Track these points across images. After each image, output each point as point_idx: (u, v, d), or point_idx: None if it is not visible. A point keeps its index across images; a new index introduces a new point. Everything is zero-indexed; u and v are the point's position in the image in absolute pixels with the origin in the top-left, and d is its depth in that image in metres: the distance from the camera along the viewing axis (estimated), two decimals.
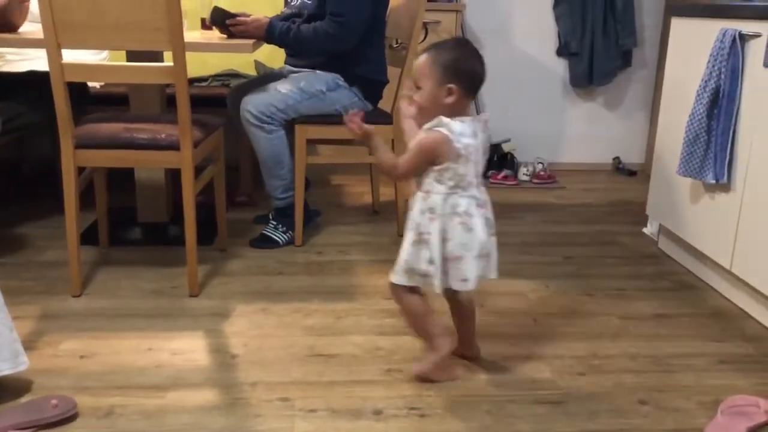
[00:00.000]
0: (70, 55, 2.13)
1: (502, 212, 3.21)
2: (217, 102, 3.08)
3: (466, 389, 1.75)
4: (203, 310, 2.15)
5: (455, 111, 1.63)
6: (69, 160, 2.13)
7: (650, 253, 2.74)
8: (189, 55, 2.08)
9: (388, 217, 3.02)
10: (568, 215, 3.21)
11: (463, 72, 1.63)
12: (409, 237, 1.68)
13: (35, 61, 3.18)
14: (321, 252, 2.64)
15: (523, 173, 3.75)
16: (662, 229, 2.76)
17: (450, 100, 1.62)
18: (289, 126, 2.62)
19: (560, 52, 3.91)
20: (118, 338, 1.95)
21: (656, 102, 3.84)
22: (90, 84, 3.12)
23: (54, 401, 1.57)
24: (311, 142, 2.72)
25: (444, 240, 1.63)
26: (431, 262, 1.64)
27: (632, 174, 3.97)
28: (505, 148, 3.81)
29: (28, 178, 3.45)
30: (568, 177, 3.86)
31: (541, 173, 3.74)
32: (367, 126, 1.69)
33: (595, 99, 4.02)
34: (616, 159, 4.07)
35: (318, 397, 1.70)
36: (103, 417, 1.60)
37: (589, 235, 2.93)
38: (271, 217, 2.74)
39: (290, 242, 2.69)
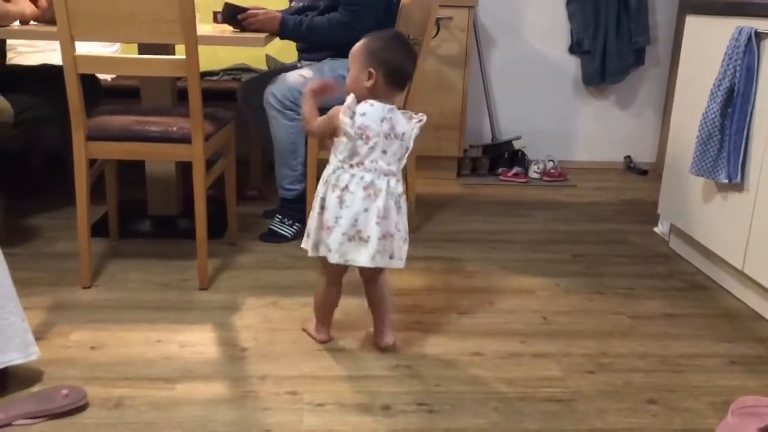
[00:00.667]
0: (82, 48, 2.13)
1: (511, 210, 3.21)
2: (227, 96, 3.08)
3: (475, 386, 1.75)
4: (213, 303, 2.15)
5: (376, 97, 1.72)
6: (81, 152, 2.14)
7: (661, 253, 2.72)
8: (200, 49, 2.08)
9: None
10: (578, 213, 3.20)
11: (387, 61, 1.72)
12: (315, 202, 1.79)
13: (47, 53, 3.19)
14: None
15: (534, 171, 3.74)
16: (673, 229, 2.75)
17: (369, 83, 1.71)
18: None
19: (572, 50, 3.89)
20: (128, 330, 1.96)
21: (668, 101, 3.81)
22: (101, 77, 3.13)
23: (64, 391, 1.58)
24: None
25: (322, 207, 1.74)
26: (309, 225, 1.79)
27: (643, 173, 3.94)
28: (516, 145, 3.80)
29: (38, 169, 3.46)
30: (579, 175, 3.85)
31: (552, 171, 3.72)
32: (316, 84, 1.83)
33: (607, 97, 4.00)
34: (628, 158, 4.05)
35: (326, 391, 1.70)
36: (112, 408, 1.60)
37: (599, 234, 2.92)
38: (277, 212, 2.73)
39: (298, 234, 2.69)
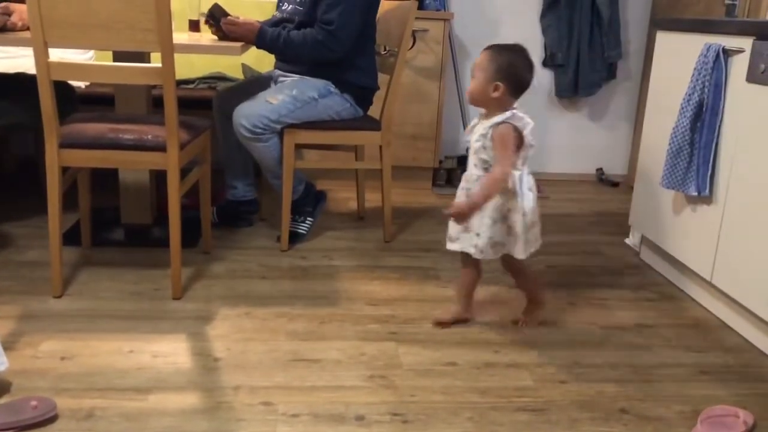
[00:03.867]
0: (55, 54, 2.11)
1: None
2: (203, 104, 3.07)
3: (450, 396, 1.76)
4: (186, 312, 2.13)
5: (501, 105, 1.93)
6: (53, 159, 2.11)
7: (632, 264, 2.77)
8: (176, 57, 2.07)
9: (374, 223, 3.02)
10: (551, 225, 3.23)
11: (513, 75, 1.91)
12: (489, 216, 1.96)
13: (19, 59, 3.15)
14: (305, 257, 2.64)
15: None
16: (644, 240, 2.79)
17: (496, 95, 1.91)
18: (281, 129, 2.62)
19: (546, 63, 3.94)
20: (100, 340, 1.93)
21: (640, 114, 3.88)
22: (75, 84, 3.10)
23: (33, 402, 1.55)
24: (299, 147, 2.73)
25: (522, 213, 1.97)
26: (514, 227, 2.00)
27: (615, 185, 4.00)
28: None
29: (9, 176, 3.41)
30: (552, 187, 3.89)
31: None
32: (461, 205, 1.93)
33: (580, 110, 4.05)
34: (599, 170, 4.11)
35: (301, 401, 1.70)
36: (83, 419, 1.58)
37: (571, 245, 2.95)
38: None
39: (311, 229, 2.83)
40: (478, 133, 1.98)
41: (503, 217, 1.98)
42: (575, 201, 3.66)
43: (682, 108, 2.31)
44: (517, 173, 1.95)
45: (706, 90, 2.23)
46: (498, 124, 1.91)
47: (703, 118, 2.25)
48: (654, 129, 2.64)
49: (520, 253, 1.99)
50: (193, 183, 2.38)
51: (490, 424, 1.65)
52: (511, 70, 1.91)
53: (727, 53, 2.19)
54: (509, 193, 1.95)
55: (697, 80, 2.26)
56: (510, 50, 1.94)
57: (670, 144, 2.35)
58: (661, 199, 2.57)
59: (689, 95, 2.28)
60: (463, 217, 1.92)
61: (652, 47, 2.75)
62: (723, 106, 2.21)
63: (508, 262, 2.11)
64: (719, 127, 2.22)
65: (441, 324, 2.13)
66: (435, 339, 2.05)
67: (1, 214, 2.88)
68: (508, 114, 1.92)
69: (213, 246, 2.63)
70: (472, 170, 2.01)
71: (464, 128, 3.93)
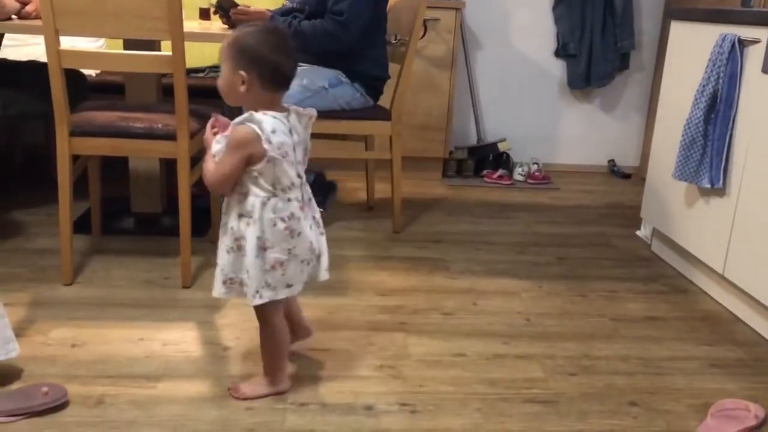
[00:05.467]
0: (66, 42, 2.11)
1: (496, 212, 3.22)
2: (213, 93, 3.05)
3: (459, 386, 1.75)
4: (195, 301, 2.14)
5: (260, 102, 1.51)
6: (64, 147, 2.12)
7: (643, 256, 2.75)
8: (186, 46, 2.07)
9: (383, 213, 3.02)
10: (562, 216, 3.22)
11: (261, 61, 1.49)
12: (224, 243, 1.56)
13: (31, 47, 3.16)
14: None
15: (519, 173, 3.75)
16: (656, 233, 2.77)
17: (243, 88, 1.49)
18: None
19: (558, 53, 3.91)
20: (110, 327, 1.94)
21: (652, 105, 3.85)
22: (86, 72, 3.10)
23: (44, 389, 1.56)
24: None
25: (262, 248, 1.52)
26: (247, 270, 1.53)
27: (626, 177, 3.98)
28: (501, 147, 3.82)
29: (20, 164, 3.42)
30: (563, 178, 3.87)
31: (536, 174, 3.74)
32: (212, 132, 1.58)
33: (592, 101, 4.02)
34: (611, 161, 4.08)
35: (309, 390, 1.70)
36: (93, 406, 1.59)
37: (582, 237, 2.94)
38: None
39: (323, 212, 2.77)
40: None
41: (237, 247, 1.54)
42: (587, 192, 3.64)
43: (696, 99, 2.28)
44: (257, 199, 1.51)
45: (720, 81, 2.20)
46: (238, 123, 1.49)
47: (717, 110, 2.23)
48: (667, 120, 2.61)
49: (249, 294, 1.55)
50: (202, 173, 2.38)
51: (499, 416, 1.64)
52: (257, 55, 1.48)
53: (743, 44, 2.16)
54: (244, 218, 1.53)
55: (711, 71, 2.23)
56: (256, 32, 1.52)
57: (683, 135, 2.33)
58: (673, 191, 2.55)
59: (703, 86, 2.26)
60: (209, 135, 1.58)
61: (666, 37, 2.72)
62: (738, 98, 2.18)
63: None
64: (734, 118, 2.20)
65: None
66: (444, 330, 2.04)
67: (11, 202, 2.90)
68: (247, 115, 1.48)
69: None
70: None
71: (475, 119, 3.91)
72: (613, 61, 3.86)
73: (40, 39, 2.12)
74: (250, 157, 1.48)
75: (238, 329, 1.98)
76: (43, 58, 2.08)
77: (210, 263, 2.42)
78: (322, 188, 2.84)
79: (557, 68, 3.94)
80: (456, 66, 3.58)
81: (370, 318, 2.09)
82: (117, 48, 2.57)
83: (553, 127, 4.03)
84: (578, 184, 3.80)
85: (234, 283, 1.57)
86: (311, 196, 1.64)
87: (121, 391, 1.65)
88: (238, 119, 1.50)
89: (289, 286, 1.58)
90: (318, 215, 1.64)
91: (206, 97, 2.92)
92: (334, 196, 2.91)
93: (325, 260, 1.65)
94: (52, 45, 2.02)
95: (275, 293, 1.56)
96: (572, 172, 4.01)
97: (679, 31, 2.58)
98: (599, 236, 2.95)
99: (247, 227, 1.52)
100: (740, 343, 2.07)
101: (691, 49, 2.45)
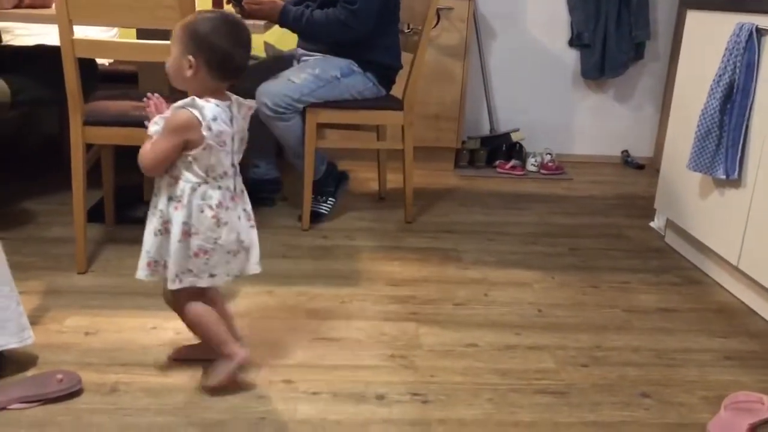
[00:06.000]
0: (79, 32, 2.12)
1: (509, 202, 3.21)
2: None
3: (470, 377, 1.75)
4: None
5: (205, 89, 1.49)
6: (78, 136, 2.12)
7: (656, 247, 2.73)
8: None
9: (395, 204, 3.01)
10: (575, 207, 3.20)
11: (211, 48, 1.46)
12: (152, 225, 1.54)
13: (42, 36, 3.17)
14: (326, 236, 2.64)
15: (531, 164, 3.74)
16: (669, 224, 2.75)
17: (189, 73, 1.47)
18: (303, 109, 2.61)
19: (572, 43, 3.88)
20: (123, 316, 1.95)
21: (667, 96, 3.81)
22: (99, 61, 3.11)
23: (59, 376, 1.58)
24: (321, 126, 2.72)
25: (187, 234, 1.51)
26: (171, 254, 1.52)
27: (640, 167, 3.95)
28: (514, 137, 3.80)
29: (33, 153, 3.44)
30: (576, 169, 3.85)
31: (549, 164, 3.72)
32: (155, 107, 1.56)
33: (606, 91, 3.99)
34: (625, 152, 4.05)
35: (321, 380, 1.71)
36: (107, 393, 1.60)
37: (595, 228, 2.92)
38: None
39: (333, 208, 2.81)
40: None
41: (165, 230, 1.54)
42: (600, 183, 3.62)
43: (712, 89, 2.26)
44: (187, 184, 1.50)
45: (737, 71, 2.17)
46: (178, 107, 1.47)
47: (734, 100, 2.20)
48: (682, 110, 2.59)
49: (169, 280, 1.55)
50: None
51: (510, 406, 1.64)
52: (207, 42, 1.45)
53: (760, 33, 2.13)
54: (173, 202, 1.51)
55: (728, 61, 2.20)
56: (211, 18, 1.49)
57: (698, 126, 2.31)
58: (687, 182, 2.52)
59: (720, 76, 2.23)
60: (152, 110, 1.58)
61: (682, 27, 2.69)
62: (755, 88, 2.16)
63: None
64: (750, 108, 2.17)
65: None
66: (455, 320, 2.04)
67: (24, 191, 2.91)
68: (189, 100, 1.47)
69: None
70: None
71: (488, 109, 3.89)
72: (627, 51, 3.82)
73: (46, 28, 2.12)
74: (187, 142, 1.47)
75: (250, 318, 1.98)
76: (50, 44, 2.08)
77: None
78: (333, 178, 2.84)
79: (571, 58, 3.91)
80: (469, 55, 3.56)
81: (382, 308, 2.09)
82: (130, 37, 2.58)
83: (566, 118, 4.00)
84: (591, 174, 3.78)
85: (158, 266, 1.55)
86: (243, 188, 1.61)
87: (135, 378, 1.66)
88: (179, 103, 1.47)
89: (212, 275, 1.56)
90: (249, 207, 1.61)
91: None
92: (345, 186, 2.91)
93: (255, 253, 1.62)
94: (66, 34, 2.03)
95: (196, 280, 1.54)
96: (585, 163, 3.99)
97: (695, 20, 2.55)
98: (612, 227, 2.94)
99: (175, 211, 1.51)
100: (754, 335, 2.05)
101: (707, 38, 2.42)
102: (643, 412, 1.65)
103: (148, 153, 1.50)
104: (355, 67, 2.63)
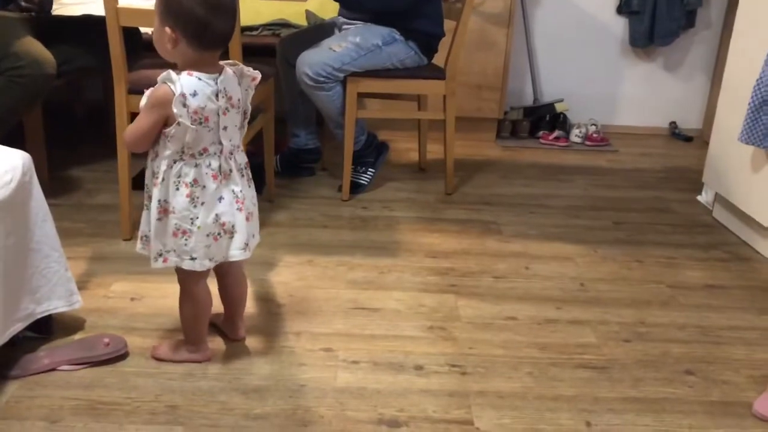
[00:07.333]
0: (124, 1, 2.13)
1: (551, 174, 3.15)
2: (267, 51, 3.06)
3: (509, 350, 1.75)
4: (250, 259, 2.12)
5: (187, 61, 1.41)
6: (122, 105, 2.15)
7: (704, 222, 2.66)
8: (241, 3, 2.05)
9: (435, 175, 2.99)
10: (619, 180, 3.13)
11: (186, 16, 1.36)
12: (145, 199, 1.52)
13: (90, 5, 3.20)
14: (366, 207, 2.64)
15: (576, 135, 3.66)
16: (718, 198, 2.68)
17: (170, 46, 1.39)
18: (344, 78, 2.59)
19: (621, 10, 3.76)
20: (167, 282, 1.98)
21: (719, 66, 3.68)
22: (142, 30, 3.13)
23: (106, 340, 1.62)
24: (362, 96, 2.70)
25: (165, 211, 1.46)
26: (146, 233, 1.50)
27: (688, 140, 3.84)
28: (558, 108, 3.72)
29: (80, 121, 3.50)
30: (622, 140, 3.76)
31: (594, 135, 3.64)
32: None
33: (655, 60, 3.87)
34: (673, 123, 3.94)
35: (360, 349, 1.72)
36: (151, 358, 1.64)
37: (640, 201, 2.86)
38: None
39: (373, 179, 2.81)
40: None
41: (160, 212, 1.49)
42: (646, 156, 3.53)
43: None
44: (164, 161, 1.44)
45: None
46: (160, 82, 1.41)
47: None
48: (735, 81, 2.50)
49: (151, 258, 1.51)
50: (257, 131, 2.40)
51: (550, 380, 1.63)
52: (182, 11, 1.35)
53: None
54: (154, 178, 1.48)
55: None
56: None
57: (752, 97, 2.22)
58: (738, 156, 2.44)
59: None
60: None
61: None
62: None
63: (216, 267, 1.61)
64: None
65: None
66: (495, 293, 2.03)
67: (71, 159, 2.97)
68: (166, 73, 1.39)
69: (276, 194, 2.65)
70: None
71: (532, 78, 3.82)
72: (678, 19, 3.69)
73: None
74: (168, 117, 1.40)
75: (291, 287, 2.00)
76: (97, 13, 2.09)
77: (264, 222, 2.43)
78: (374, 148, 2.83)
79: (619, 26, 3.80)
80: (513, 23, 3.48)
81: (421, 279, 2.09)
82: None
83: (612, 88, 3.90)
84: (638, 146, 3.69)
85: (148, 241, 1.52)
86: (241, 168, 1.52)
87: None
88: (160, 77, 1.40)
89: (193, 258, 1.49)
90: (237, 189, 1.50)
91: (260, 56, 2.92)
92: (385, 156, 2.90)
93: (239, 238, 1.52)
94: (111, 3, 2.04)
95: (179, 261, 1.49)
96: (632, 134, 3.89)
97: None
98: (658, 201, 2.87)
99: (154, 187, 1.47)
100: None
101: (763, 6, 2.32)
102: (686, 389, 1.62)
103: (130, 128, 1.46)
104: (397, 35, 2.59)
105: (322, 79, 2.50)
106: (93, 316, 1.80)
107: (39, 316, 1.61)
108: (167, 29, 1.38)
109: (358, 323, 1.83)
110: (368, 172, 2.80)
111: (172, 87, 1.38)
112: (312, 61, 2.50)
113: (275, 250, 2.23)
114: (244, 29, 3.34)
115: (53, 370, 1.57)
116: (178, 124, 1.39)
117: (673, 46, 3.79)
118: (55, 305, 1.65)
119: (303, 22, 3.52)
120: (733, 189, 2.49)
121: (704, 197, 2.84)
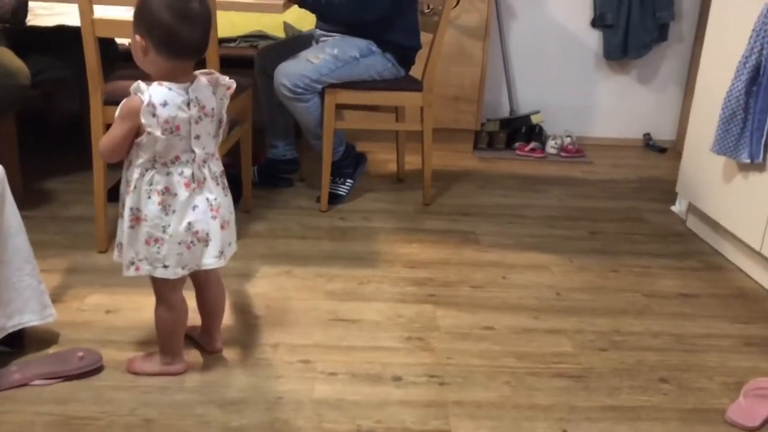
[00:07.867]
0: (99, 12, 2.12)
1: (528, 185, 3.18)
2: (244, 63, 3.06)
3: (487, 360, 1.75)
4: (227, 270, 2.14)
5: (159, 70, 1.41)
6: (98, 116, 2.13)
7: (678, 232, 2.70)
8: (217, 15, 2.06)
9: (413, 186, 3.00)
10: (595, 190, 3.17)
11: (154, 25, 1.36)
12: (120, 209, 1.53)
13: (65, 15, 3.18)
14: (344, 218, 2.64)
15: (551, 146, 3.70)
16: (691, 208, 2.72)
17: (141, 55, 1.40)
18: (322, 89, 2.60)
19: (595, 23, 3.81)
20: (142, 295, 1.96)
21: (691, 78, 3.75)
22: (119, 41, 3.11)
23: (80, 353, 1.60)
24: (340, 107, 2.70)
25: (137, 219, 1.47)
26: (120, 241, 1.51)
27: (662, 151, 3.89)
28: (534, 120, 3.75)
29: (55, 131, 3.46)
30: (597, 152, 3.80)
31: (570, 147, 3.68)
32: None
33: (628, 72, 3.93)
34: (647, 135, 4.00)
35: (338, 360, 1.71)
36: (127, 371, 1.62)
37: (616, 212, 2.89)
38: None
39: (351, 190, 2.80)
40: None
41: (132, 220, 1.49)
42: (621, 167, 3.58)
43: (738, 71, 2.21)
44: (136, 169, 1.45)
45: (764, 52, 2.13)
46: (132, 92, 1.42)
47: (760, 82, 2.16)
48: (706, 93, 2.54)
49: (124, 267, 1.52)
50: (234, 142, 2.39)
51: (527, 389, 1.64)
52: (152, 20, 1.35)
53: None
54: (127, 186, 1.49)
55: (755, 42, 2.16)
56: None
57: (723, 108, 2.27)
58: (710, 166, 2.49)
59: (746, 57, 2.19)
60: None
61: (707, 7, 2.64)
62: None
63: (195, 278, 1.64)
64: None
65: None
66: (472, 303, 2.04)
67: (46, 170, 2.94)
68: (135, 84, 1.40)
69: (253, 205, 2.64)
70: None
71: (508, 90, 3.85)
72: (651, 32, 3.75)
73: (67, 8, 2.11)
74: (139, 127, 1.41)
75: (269, 298, 1.99)
76: (71, 24, 2.08)
77: (241, 233, 2.43)
78: (352, 159, 2.83)
79: (593, 39, 3.85)
80: (489, 36, 3.52)
81: (399, 290, 2.09)
82: None
83: (587, 99, 3.95)
84: (612, 157, 3.73)
85: (122, 249, 1.52)
86: (216, 176, 1.52)
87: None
88: (132, 87, 1.41)
89: (165, 266, 1.48)
90: (212, 197, 1.50)
91: (237, 67, 2.91)
92: (364, 167, 2.91)
93: (214, 246, 1.52)
94: (86, 14, 2.03)
95: (152, 269, 1.49)
96: (606, 146, 3.94)
97: (721, 0, 2.49)
98: (633, 211, 2.91)
99: (127, 195, 1.48)
100: None
101: (734, 19, 2.37)
102: (661, 397, 1.64)
103: (104, 138, 1.46)
104: (374, 47, 2.61)
105: (300, 90, 2.51)
106: (67, 329, 1.77)
107: (11, 330, 1.59)
108: (137, 37, 1.39)
109: (336, 334, 1.83)
110: (346, 183, 2.80)
111: (142, 97, 1.39)
112: (290, 73, 2.51)
113: (253, 261, 2.22)
114: (222, 41, 3.33)
115: (26, 385, 1.55)
116: (149, 133, 1.40)
117: (647, 58, 3.85)
118: (28, 319, 1.62)
119: (280, 33, 3.52)
120: (706, 199, 2.53)
121: (678, 207, 2.88)
